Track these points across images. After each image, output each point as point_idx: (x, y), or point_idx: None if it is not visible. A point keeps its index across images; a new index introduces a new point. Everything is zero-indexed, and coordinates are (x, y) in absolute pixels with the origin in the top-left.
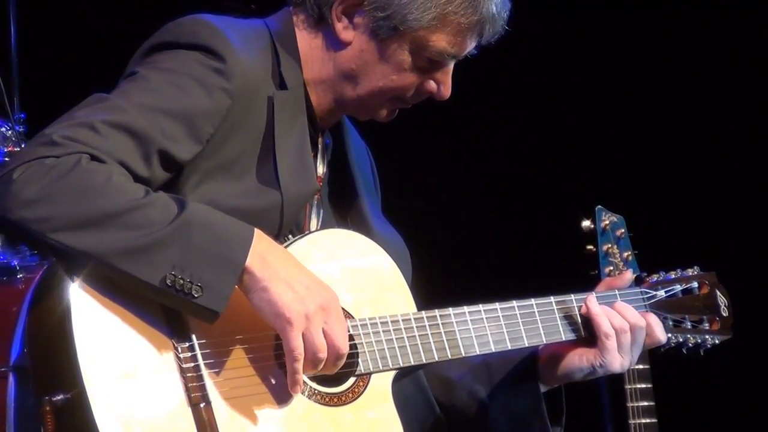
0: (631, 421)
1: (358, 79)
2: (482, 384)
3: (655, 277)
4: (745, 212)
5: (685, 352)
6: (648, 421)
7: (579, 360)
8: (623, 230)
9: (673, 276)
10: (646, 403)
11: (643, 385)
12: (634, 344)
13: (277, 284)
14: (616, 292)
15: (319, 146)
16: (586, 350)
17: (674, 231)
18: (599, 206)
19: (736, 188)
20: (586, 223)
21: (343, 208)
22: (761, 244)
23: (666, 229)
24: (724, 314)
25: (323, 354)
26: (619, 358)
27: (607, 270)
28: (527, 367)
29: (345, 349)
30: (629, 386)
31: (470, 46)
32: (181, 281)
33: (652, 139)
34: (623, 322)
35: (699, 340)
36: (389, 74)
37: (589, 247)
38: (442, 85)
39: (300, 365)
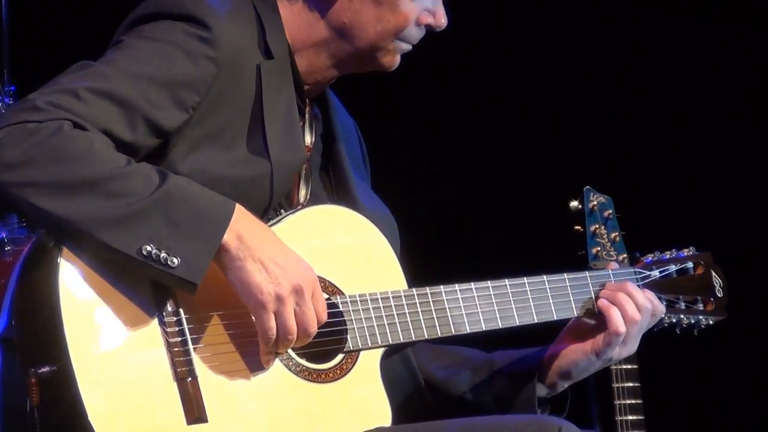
0: (618, 418)
1: (354, 31)
2: (483, 375)
3: (649, 257)
4: (738, 193)
5: (678, 332)
6: (635, 418)
7: (574, 354)
8: (611, 211)
9: (668, 256)
10: (633, 401)
11: (631, 384)
12: (640, 331)
13: (252, 264)
14: (610, 272)
15: (307, 115)
16: (581, 344)
17: (663, 212)
18: (587, 186)
19: (727, 169)
20: (574, 204)
21: (329, 179)
22: (755, 224)
23: (654, 209)
24: (719, 295)
25: (293, 336)
26: (617, 351)
27: (594, 251)
28: (529, 364)
29: (313, 330)
30: (617, 385)
31: None
32: (157, 253)
33: (640, 118)
34: (635, 312)
35: (693, 321)
36: (384, 16)
37: (577, 227)
38: (436, 14)
39: (271, 345)
